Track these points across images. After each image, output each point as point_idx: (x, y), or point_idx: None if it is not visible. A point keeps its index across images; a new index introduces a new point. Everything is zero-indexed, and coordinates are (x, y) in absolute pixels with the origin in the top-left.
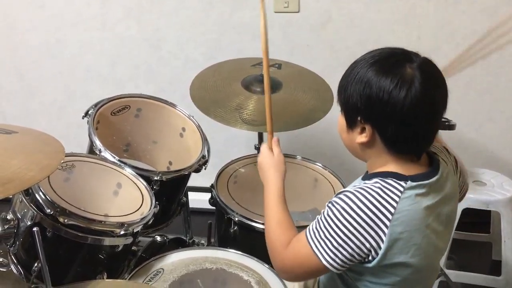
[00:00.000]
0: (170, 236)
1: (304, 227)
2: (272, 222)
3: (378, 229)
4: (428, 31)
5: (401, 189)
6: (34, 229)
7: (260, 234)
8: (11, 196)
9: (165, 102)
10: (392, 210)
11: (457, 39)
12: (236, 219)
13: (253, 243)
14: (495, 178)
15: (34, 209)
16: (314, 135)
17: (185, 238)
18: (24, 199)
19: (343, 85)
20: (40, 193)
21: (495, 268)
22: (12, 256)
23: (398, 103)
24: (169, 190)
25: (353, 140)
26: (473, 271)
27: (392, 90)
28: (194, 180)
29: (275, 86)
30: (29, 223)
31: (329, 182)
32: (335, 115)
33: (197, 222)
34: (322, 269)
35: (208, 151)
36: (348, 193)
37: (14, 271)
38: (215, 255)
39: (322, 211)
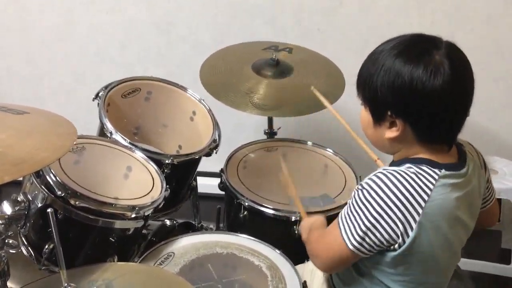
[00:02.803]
0: (179, 220)
1: (315, 213)
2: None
3: (409, 215)
4: (442, 16)
5: (436, 176)
6: (49, 210)
7: (270, 219)
8: (21, 178)
9: (176, 85)
10: (425, 197)
11: (472, 25)
12: (246, 204)
13: (263, 228)
14: (507, 166)
15: (45, 191)
16: (324, 121)
17: (194, 223)
18: (35, 181)
19: (366, 79)
20: (51, 175)
21: (504, 256)
22: (23, 238)
23: (433, 92)
24: (180, 174)
25: (381, 136)
26: (482, 259)
27: (425, 79)
28: (201, 164)
29: (286, 71)
30: (40, 205)
31: (340, 168)
32: (346, 101)
33: (204, 207)
34: (348, 254)
35: (219, 136)
36: (379, 175)
37: (25, 252)
38: (226, 239)
39: (352, 194)
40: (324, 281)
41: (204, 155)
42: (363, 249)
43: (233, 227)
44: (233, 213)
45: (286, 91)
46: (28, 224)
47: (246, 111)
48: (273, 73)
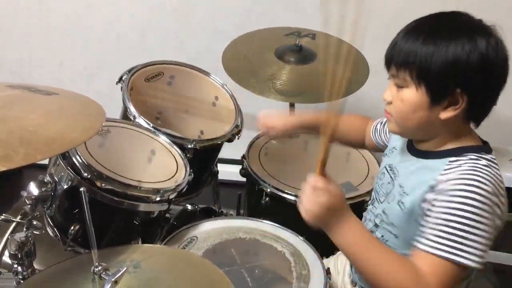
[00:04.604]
0: (200, 206)
1: None
2: (382, 263)
3: (503, 206)
4: (466, 5)
5: (495, 160)
6: (82, 189)
7: (292, 206)
8: (46, 161)
9: (199, 70)
10: (503, 185)
11: (498, 14)
12: (268, 190)
13: (284, 214)
14: None
15: (71, 172)
16: (346, 108)
17: (214, 208)
18: (61, 162)
19: (426, 57)
20: (77, 157)
21: None
22: (49, 219)
23: (501, 64)
24: (202, 159)
25: (434, 117)
26: (505, 251)
27: (498, 53)
28: (222, 151)
29: (309, 57)
30: (66, 186)
31: (362, 155)
32: (366, 89)
33: (224, 193)
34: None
35: (242, 121)
36: (468, 181)
37: (50, 233)
38: (248, 225)
39: (438, 220)
40: (345, 274)
41: (226, 141)
42: (483, 261)
43: (254, 213)
44: (254, 200)
45: (308, 78)
46: (54, 205)
47: (269, 97)
48: (296, 59)
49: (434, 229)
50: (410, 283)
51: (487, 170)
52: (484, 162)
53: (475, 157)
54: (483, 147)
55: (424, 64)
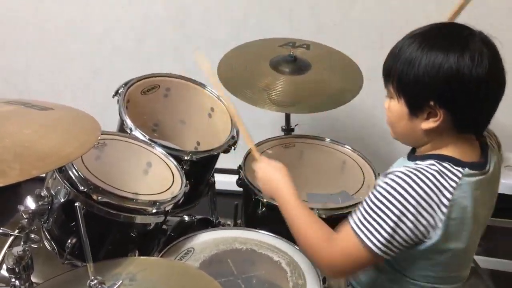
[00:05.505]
0: (198, 216)
1: (332, 209)
2: (303, 224)
3: (435, 214)
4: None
5: (459, 175)
6: (76, 204)
7: None
8: (43, 175)
9: (194, 82)
10: (449, 196)
11: (491, 20)
12: (265, 200)
13: (281, 224)
14: None
15: (67, 186)
16: (341, 118)
17: (212, 219)
18: (57, 176)
19: (403, 70)
20: (74, 170)
21: None
22: (46, 233)
23: (478, 80)
24: (198, 170)
25: (416, 128)
26: (502, 257)
27: (471, 66)
28: (218, 161)
29: (303, 67)
30: (62, 200)
31: (358, 164)
32: (361, 98)
33: (221, 203)
34: (373, 259)
35: (237, 132)
36: (400, 174)
37: (48, 247)
38: (245, 235)
39: (366, 198)
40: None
41: (222, 152)
42: (390, 252)
43: (251, 223)
44: (251, 210)
45: (303, 88)
46: (51, 219)
47: (264, 107)
48: (290, 69)
49: (361, 203)
50: (322, 242)
51: (429, 174)
52: (435, 168)
53: (431, 163)
54: (450, 158)
55: (400, 79)
